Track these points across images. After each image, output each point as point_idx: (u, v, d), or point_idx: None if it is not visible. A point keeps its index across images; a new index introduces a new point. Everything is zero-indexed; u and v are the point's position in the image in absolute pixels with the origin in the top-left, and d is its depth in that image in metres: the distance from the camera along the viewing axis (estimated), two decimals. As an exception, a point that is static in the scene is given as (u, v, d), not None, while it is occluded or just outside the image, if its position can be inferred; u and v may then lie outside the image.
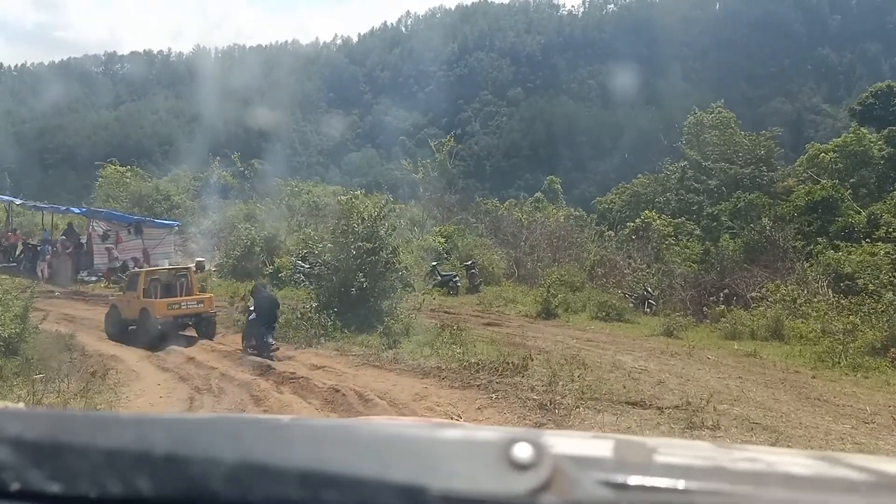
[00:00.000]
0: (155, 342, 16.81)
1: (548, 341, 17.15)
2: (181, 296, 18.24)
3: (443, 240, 31.39)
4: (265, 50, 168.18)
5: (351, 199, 18.93)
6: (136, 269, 22.05)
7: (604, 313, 22.03)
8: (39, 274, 25.84)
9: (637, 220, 31.27)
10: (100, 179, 36.87)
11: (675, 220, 32.31)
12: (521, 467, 0.63)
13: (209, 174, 38.01)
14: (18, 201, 27.94)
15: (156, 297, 17.86)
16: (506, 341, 16.76)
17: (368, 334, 17.21)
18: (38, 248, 26.43)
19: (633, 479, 0.68)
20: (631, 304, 23.70)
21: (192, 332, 18.18)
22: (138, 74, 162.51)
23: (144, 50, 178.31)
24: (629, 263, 27.10)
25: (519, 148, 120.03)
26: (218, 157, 39.66)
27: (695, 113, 39.70)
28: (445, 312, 22.47)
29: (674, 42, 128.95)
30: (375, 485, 0.61)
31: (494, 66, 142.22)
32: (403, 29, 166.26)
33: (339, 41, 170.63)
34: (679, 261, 26.34)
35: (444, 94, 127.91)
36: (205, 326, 17.89)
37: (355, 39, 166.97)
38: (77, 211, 27.20)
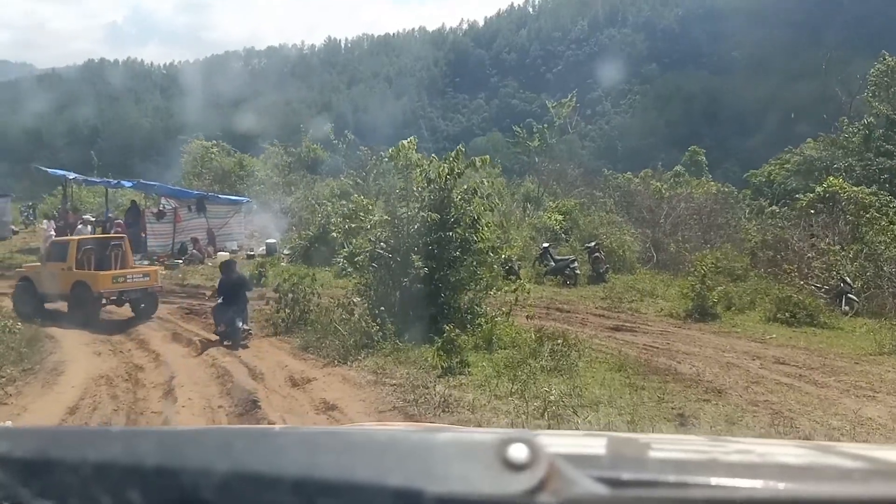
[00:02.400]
0: (92, 320, 14.58)
1: (713, 364, 10.53)
2: (117, 268, 15.72)
3: (560, 217, 24.95)
4: (392, 38, 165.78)
5: (400, 150, 12.90)
6: (61, 239, 17.83)
7: (786, 314, 14.94)
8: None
9: (818, 190, 23.40)
10: (184, 156, 33.25)
11: (868, 190, 24.16)
12: (517, 468, 0.61)
13: (300, 149, 33.57)
14: (72, 175, 24.24)
15: (91, 269, 15.35)
16: (643, 364, 10.33)
17: (431, 344, 11.28)
18: (81, 229, 22.45)
19: (628, 475, 0.66)
20: (822, 300, 16.36)
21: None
22: (274, 68, 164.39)
23: (280, 44, 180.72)
24: (812, 245, 19.57)
25: (654, 127, 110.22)
26: (310, 130, 35.33)
27: (884, 59, 30.87)
28: (557, 310, 16.13)
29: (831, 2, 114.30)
30: (371, 490, 0.60)
31: (627, 41, 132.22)
32: (531, 9, 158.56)
33: (465, 25, 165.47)
34: (889, 241, 18.55)
35: (573, 73, 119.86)
36: (146, 304, 15.60)
37: (481, 23, 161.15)
38: (127, 185, 23.16)
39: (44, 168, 26.24)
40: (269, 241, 24.34)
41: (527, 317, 12.60)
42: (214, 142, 33.79)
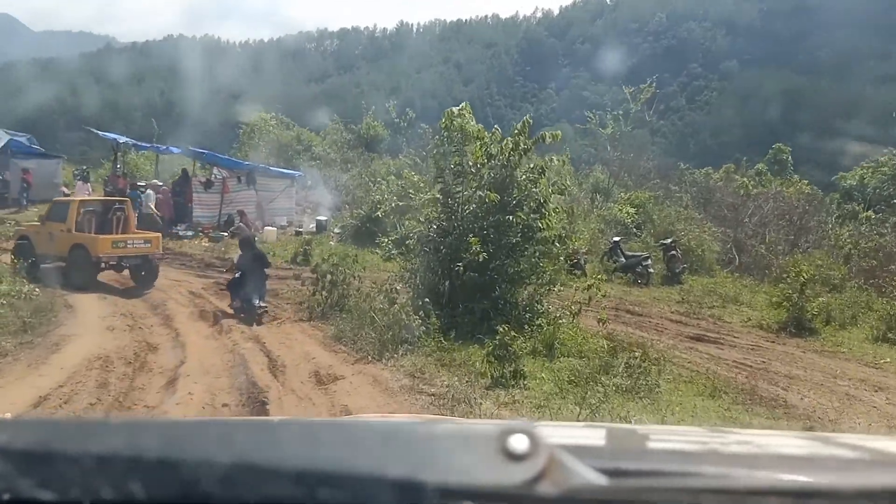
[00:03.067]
0: (88, 284, 13.88)
1: (827, 395, 8.50)
2: (119, 232, 14.90)
3: (632, 210, 22.80)
4: (464, 24, 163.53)
5: (451, 117, 11.04)
6: (65, 197, 17.42)
7: (897, 333, 12.66)
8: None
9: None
10: (243, 127, 32.18)
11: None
12: (517, 458, 0.61)
13: (361, 126, 32.11)
14: (122, 139, 23.27)
15: (92, 232, 14.52)
16: (741, 389, 8.35)
17: (481, 345, 9.56)
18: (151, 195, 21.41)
19: (628, 466, 0.66)
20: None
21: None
22: (345, 50, 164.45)
23: (352, 26, 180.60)
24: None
25: (730, 126, 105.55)
26: (373, 107, 33.87)
27: None
28: (627, 312, 14.17)
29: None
30: (372, 481, 0.60)
31: (707, 36, 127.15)
32: (608, 0, 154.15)
33: (539, 14, 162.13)
34: None
35: (649, 67, 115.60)
36: (146, 271, 14.73)
37: (556, 12, 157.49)
38: (175, 150, 22.04)
39: (95, 130, 25.46)
40: (319, 218, 22.95)
41: (599, 320, 10.71)
42: (273, 114, 32.66)
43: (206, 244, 20.19)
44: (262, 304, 12.45)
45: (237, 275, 12.75)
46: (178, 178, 23.18)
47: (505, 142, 11.13)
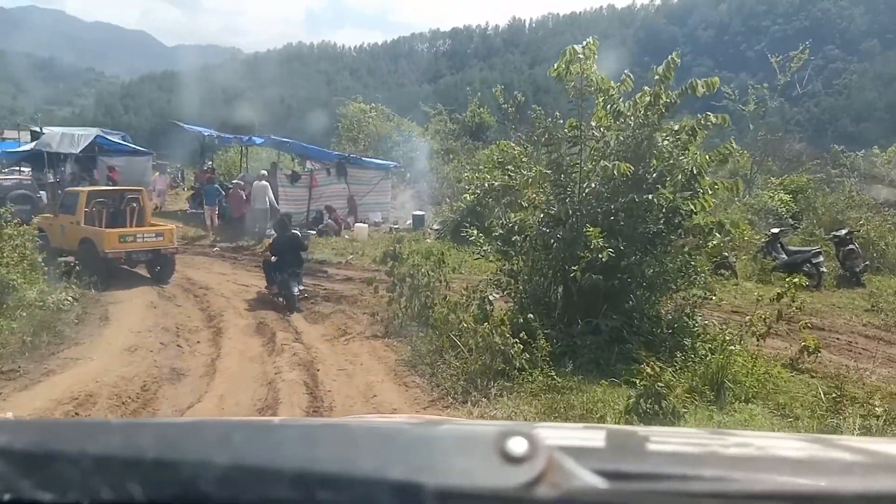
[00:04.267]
0: (100, 281, 12.33)
1: None
2: (133, 225, 13.92)
3: (788, 197, 18.77)
4: (578, 17, 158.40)
5: (570, 57, 7.82)
6: (74, 189, 15.65)
7: None
8: (208, 221, 18.85)
9: None
10: (341, 120, 30.14)
11: None
12: (516, 460, 0.61)
13: (465, 115, 29.32)
14: (207, 132, 21.62)
15: (102, 225, 13.49)
16: None
17: (612, 381, 6.47)
18: (203, 190, 19.57)
19: (627, 468, 0.66)
20: None
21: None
22: (457, 49, 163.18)
23: (464, 25, 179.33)
24: None
25: (872, 111, 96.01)
26: (479, 94, 31.05)
27: None
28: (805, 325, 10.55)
29: None
30: (370, 483, 0.59)
31: (844, 15, 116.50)
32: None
33: (657, 2, 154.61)
34: None
35: (779, 50, 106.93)
36: (161, 266, 13.69)
37: None
38: (258, 141, 20.01)
39: (181, 123, 24.07)
40: (417, 213, 20.31)
41: (756, 337, 7.34)
42: (372, 105, 30.46)
43: (292, 243, 17.95)
44: (301, 289, 11.87)
45: (273, 259, 11.87)
46: (267, 170, 21.22)
47: (640, 95, 7.94)
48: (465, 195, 9.50)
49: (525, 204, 8.54)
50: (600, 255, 6.80)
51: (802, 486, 0.65)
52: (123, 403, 6.59)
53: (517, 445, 0.62)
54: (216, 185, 19.47)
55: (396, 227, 19.85)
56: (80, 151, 21.79)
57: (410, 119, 30.24)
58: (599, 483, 0.61)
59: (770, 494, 0.63)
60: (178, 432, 0.74)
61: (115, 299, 12.13)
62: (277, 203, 18.66)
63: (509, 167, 9.04)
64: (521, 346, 6.81)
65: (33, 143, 23.07)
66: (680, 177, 7.56)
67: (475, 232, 8.99)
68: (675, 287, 7.86)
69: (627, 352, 7.21)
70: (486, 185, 8.81)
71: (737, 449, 0.78)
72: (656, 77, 7.75)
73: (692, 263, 7.87)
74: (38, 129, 23.76)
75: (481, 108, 28.97)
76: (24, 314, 9.41)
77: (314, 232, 18.79)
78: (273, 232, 14.12)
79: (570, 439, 0.76)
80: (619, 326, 7.39)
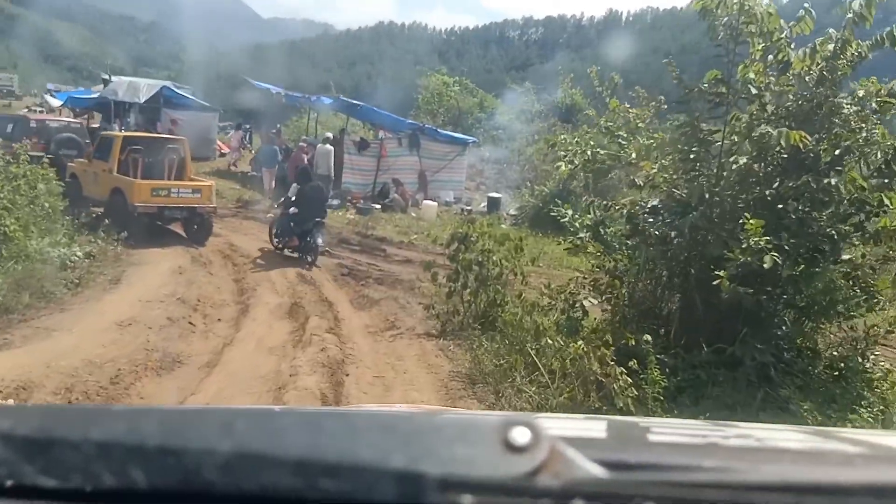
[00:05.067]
0: (129, 235, 10.92)
1: None
2: (168, 178, 12.49)
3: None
4: (678, 12, 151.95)
5: None
6: (110, 132, 14.72)
7: None
8: (266, 185, 17.29)
9: None
10: (421, 92, 28.25)
11: None
12: (518, 450, 0.61)
13: (556, 95, 26.97)
14: (275, 90, 20.08)
15: (135, 176, 12.00)
16: None
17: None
18: (260, 150, 17.99)
19: (629, 458, 0.66)
20: None
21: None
22: (549, 38, 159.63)
23: (558, 14, 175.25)
24: None
25: None
26: (571, 74, 28.55)
27: None
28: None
29: None
30: (373, 472, 0.59)
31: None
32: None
33: None
34: None
35: None
36: (197, 226, 12.40)
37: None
38: (327, 101, 18.21)
39: (249, 80, 22.68)
40: (492, 195, 18.25)
41: None
42: (456, 78, 28.48)
43: (352, 216, 16.20)
44: (322, 243, 11.39)
45: (292, 210, 11.24)
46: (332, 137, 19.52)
47: (821, 42, 5.66)
48: (558, 164, 7.24)
49: (640, 182, 6.37)
50: (759, 260, 4.60)
51: (804, 477, 0.64)
52: (69, 402, 4.80)
53: (520, 435, 0.61)
54: (274, 146, 17.81)
55: (469, 209, 17.85)
56: (145, 102, 20.62)
57: (495, 95, 28.11)
58: (601, 473, 0.61)
59: (771, 485, 0.62)
60: (181, 419, 0.74)
61: (141, 259, 10.58)
62: (341, 171, 16.98)
63: (620, 133, 6.88)
64: (627, 380, 4.70)
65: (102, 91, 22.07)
66: (875, 157, 5.26)
67: (568, 212, 6.86)
68: (845, 312, 5.57)
69: (776, 398, 5.00)
70: (589, 153, 6.65)
71: (737, 440, 0.80)
72: (849, 14, 5.42)
73: (872, 281, 5.57)
74: (107, 76, 22.76)
75: (574, 89, 26.62)
76: (19, 267, 7.87)
77: (378, 206, 16.98)
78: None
79: (571, 429, 0.77)
80: (763, 366, 5.17)
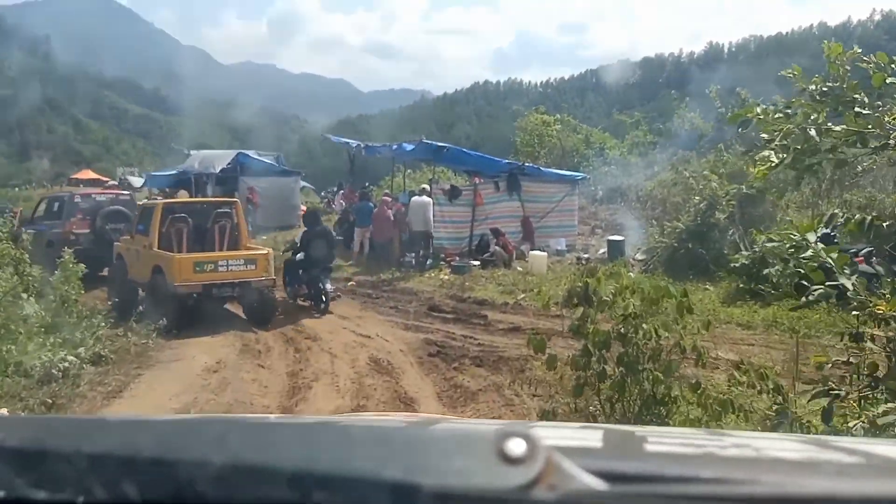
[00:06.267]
0: (175, 323, 9.04)
1: None
2: (220, 249, 10.33)
3: None
4: (784, 38, 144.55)
5: None
6: (153, 200, 13.35)
7: None
8: (356, 247, 15.07)
9: None
10: (518, 134, 25.75)
11: None
12: (514, 461, 0.60)
13: (673, 124, 23.68)
14: (355, 143, 18.06)
15: (177, 250, 10.01)
16: None
17: None
18: (353, 208, 15.73)
19: (626, 468, 0.66)
20: None
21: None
22: (648, 78, 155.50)
23: (655, 54, 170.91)
24: None
25: None
26: (686, 98, 25.21)
27: None
28: None
29: None
30: (367, 483, 0.59)
31: None
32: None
33: (877, 16, 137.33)
34: None
35: None
36: (256, 304, 10.09)
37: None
38: (409, 147, 15.75)
39: (328, 136, 20.91)
40: (612, 238, 15.20)
41: None
42: (557, 115, 25.85)
43: (445, 276, 13.59)
44: (331, 289, 10.93)
45: (298, 256, 10.95)
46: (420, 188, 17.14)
47: None
48: (762, 156, 4.26)
49: None
50: None
51: (801, 488, 0.64)
52: None
53: (516, 446, 0.60)
54: (370, 203, 15.61)
55: (586, 256, 14.86)
56: (221, 171, 19.13)
57: (602, 129, 25.22)
58: (598, 484, 0.60)
59: (769, 497, 0.62)
60: (175, 431, 0.72)
61: (174, 354, 8.33)
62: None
63: (859, 97, 3.90)
64: None
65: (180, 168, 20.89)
66: None
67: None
68: None
69: None
70: (814, 128, 3.70)
71: (735, 450, 0.78)
72: None
73: None
74: (186, 151, 21.65)
75: (691, 113, 23.39)
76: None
77: (476, 262, 14.30)
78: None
79: (568, 439, 0.77)
80: None
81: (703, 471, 0.65)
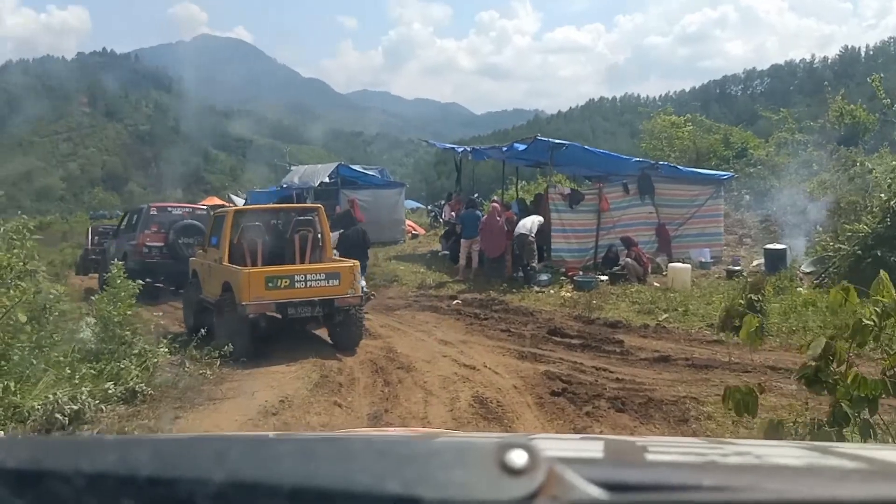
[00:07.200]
0: (245, 350, 7.81)
1: None
2: (301, 262, 8.81)
3: None
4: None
5: None
6: (223, 209, 10.95)
7: None
8: (463, 260, 13.26)
9: None
10: (643, 138, 23.21)
11: None
12: (516, 473, 0.59)
13: (825, 119, 20.39)
14: (461, 148, 16.25)
15: (251, 263, 8.54)
16: None
17: None
18: (460, 217, 13.92)
19: (627, 478, 0.65)
20: None
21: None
22: (776, 86, 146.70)
23: (785, 61, 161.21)
24: None
25: None
26: (842, 90, 21.82)
27: None
28: None
29: None
30: (368, 497, 0.58)
31: None
32: None
33: None
34: None
35: None
36: (340, 326, 8.51)
37: None
38: (520, 148, 13.57)
39: (431, 141, 19.31)
40: (770, 246, 12.59)
41: None
42: (688, 115, 23.16)
43: (567, 294, 11.49)
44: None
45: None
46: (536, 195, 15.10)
47: None
48: None
49: None
50: None
51: (804, 494, 0.63)
52: None
53: (517, 457, 0.59)
54: (477, 211, 13.83)
55: (737, 269, 12.34)
56: (321, 185, 17.93)
57: (742, 127, 22.33)
58: (600, 494, 0.59)
59: (771, 503, 0.62)
60: (174, 449, 0.72)
61: (233, 389, 6.79)
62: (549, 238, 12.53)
63: None
64: None
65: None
66: None
67: None
68: None
69: None
70: None
71: (736, 458, 0.78)
72: None
73: None
74: (288, 166, 20.70)
75: (852, 105, 20.16)
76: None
77: (604, 277, 12.13)
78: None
79: (569, 450, 0.78)
80: None
81: (705, 479, 0.64)
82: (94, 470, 0.62)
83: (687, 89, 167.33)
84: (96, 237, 17.35)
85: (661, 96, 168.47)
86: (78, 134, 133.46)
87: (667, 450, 0.82)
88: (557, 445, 0.81)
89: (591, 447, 0.83)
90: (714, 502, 0.61)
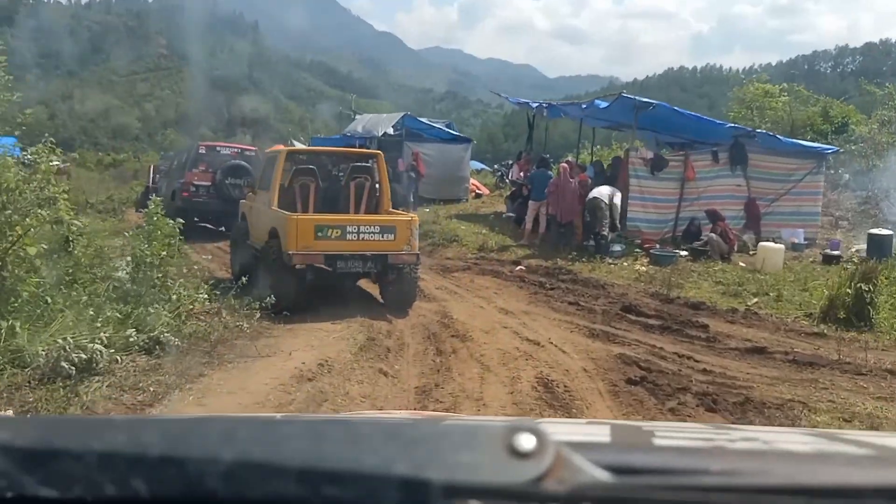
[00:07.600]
0: (288, 303, 7.21)
1: None
2: (353, 212, 8.17)
3: None
4: None
5: None
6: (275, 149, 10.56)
7: None
8: (528, 224, 12.47)
9: None
10: (732, 106, 21.59)
11: None
12: (524, 456, 0.59)
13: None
14: (535, 104, 15.16)
15: (301, 210, 8.00)
16: None
17: None
18: (529, 177, 12.94)
19: (634, 462, 0.66)
20: None
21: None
22: (870, 66, 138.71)
23: (880, 40, 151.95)
24: None
25: None
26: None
27: None
28: None
29: None
30: (377, 479, 0.58)
31: None
32: None
33: None
34: None
35: None
36: (391, 285, 7.87)
37: None
38: (602, 105, 12.36)
39: (502, 95, 18.23)
40: (875, 231, 11.27)
41: None
42: (783, 85, 21.43)
43: (642, 268, 10.50)
44: None
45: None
46: (613, 158, 13.96)
47: None
48: None
49: None
50: None
51: (812, 479, 0.63)
52: None
53: (525, 441, 0.60)
54: (549, 172, 12.88)
55: (835, 253, 11.09)
56: (384, 135, 17.12)
57: (844, 100, 20.56)
58: (607, 478, 0.60)
59: (778, 488, 0.61)
60: (183, 428, 0.74)
61: (264, 347, 6.09)
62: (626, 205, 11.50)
63: None
64: None
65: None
66: None
67: None
68: None
69: None
70: None
71: (744, 443, 0.78)
72: None
73: None
74: (353, 115, 19.96)
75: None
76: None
77: (685, 252, 11.07)
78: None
79: (576, 434, 0.78)
80: None
81: (712, 463, 0.64)
82: (104, 448, 0.61)
83: (774, 63, 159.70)
84: (157, 175, 17.08)
85: (744, 69, 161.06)
86: (155, 75, 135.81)
87: (674, 435, 0.82)
88: (565, 429, 0.81)
89: (598, 431, 0.83)
90: (721, 487, 0.60)
